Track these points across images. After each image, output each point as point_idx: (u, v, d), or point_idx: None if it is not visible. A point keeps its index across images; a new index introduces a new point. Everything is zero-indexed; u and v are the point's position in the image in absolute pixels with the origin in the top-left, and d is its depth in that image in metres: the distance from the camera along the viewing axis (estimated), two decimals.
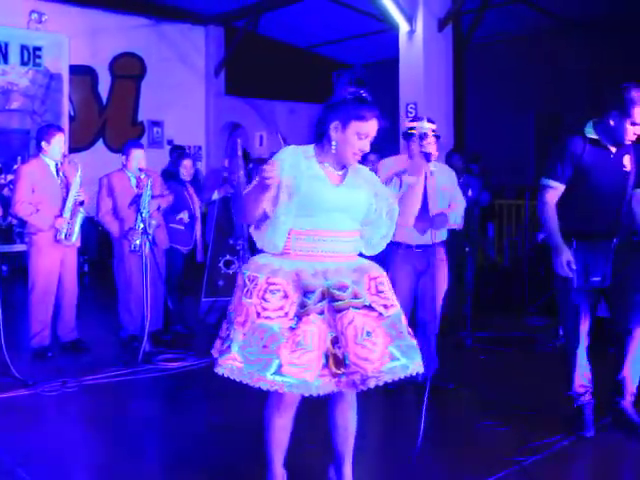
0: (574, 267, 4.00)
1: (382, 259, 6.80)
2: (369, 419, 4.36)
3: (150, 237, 5.80)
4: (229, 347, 2.78)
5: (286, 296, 2.78)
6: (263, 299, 2.78)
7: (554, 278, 4.23)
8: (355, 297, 2.82)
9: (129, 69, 12.01)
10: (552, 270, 4.21)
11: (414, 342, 2.89)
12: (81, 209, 5.77)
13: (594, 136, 4.09)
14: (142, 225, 5.83)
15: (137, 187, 5.93)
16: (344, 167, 2.96)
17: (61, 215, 5.68)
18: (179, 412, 4.57)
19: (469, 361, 5.83)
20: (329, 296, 2.81)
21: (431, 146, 4.73)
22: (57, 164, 5.77)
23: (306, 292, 2.78)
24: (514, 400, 4.67)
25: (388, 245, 4.97)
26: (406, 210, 3.21)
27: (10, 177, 6.56)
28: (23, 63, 10.31)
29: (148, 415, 4.58)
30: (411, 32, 9.37)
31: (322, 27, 12.17)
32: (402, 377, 2.80)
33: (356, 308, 2.80)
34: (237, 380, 2.74)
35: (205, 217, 7.22)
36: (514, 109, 8.98)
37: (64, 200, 5.72)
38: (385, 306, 2.87)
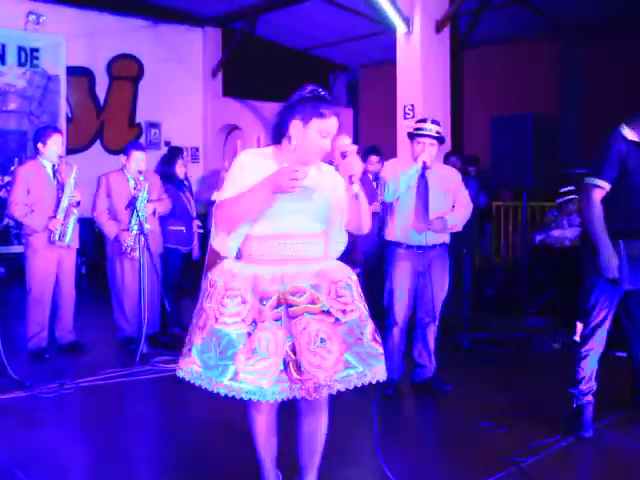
0: (617, 268, 3.95)
1: (380, 258, 6.80)
2: (364, 420, 4.36)
3: (144, 240, 5.81)
4: (189, 350, 2.78)
5: (244, 301, 2.73)
6: (221, 304, 2.74)
7: (589, 277, 4.16)
8: (312, 302, 2.73)
9: (126, 70, 12.00)
10: (587, 269, 4.16)
11: (378, 349, 2.80)
12: (75, 210, 5.74)
13: (633, 137, 4.06)
14: (136, 227, 5.83)
15: (134, 189, 5.93)
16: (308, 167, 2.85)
17: (55, 216, 5.67)
18: (177, 413, 4.57)
19: (467, 362, 5.84)
20: (285, 301, 2.73)
21: (428, 152, 4.78)
22: (54, 165, 5.76)
23: (262, 298, 2.72)
24: (512, 401, 4.67)
25: (389, 245, 5.00)
26: (352, 217, 2.93)
27: (7, 178, 6.55)
28: (20, 64, 10.30)
29: (146, 416, 4.58)
30: (408, 34, 9.36)
31: (319, 29, 12.17)
32: (358, 385, 2.75)
33: (311, 314, 2.72)
34: (196, 384, 2.74)
35: (204, 217, 7.22)
36: (512, 111, 8.97)
37: (59, 201, 5.71)
38: (343, 311, 2.76)
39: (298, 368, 2.68)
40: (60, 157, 5.79)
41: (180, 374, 2.78)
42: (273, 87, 12.46)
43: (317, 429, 2.99)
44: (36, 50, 10.41)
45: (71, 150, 10.68)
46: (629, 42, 9.87)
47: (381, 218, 6.90)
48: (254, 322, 2.70)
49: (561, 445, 3.92)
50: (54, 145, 5.73)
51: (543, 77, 11.06)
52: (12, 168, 6.15)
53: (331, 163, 3.04)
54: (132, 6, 11.65)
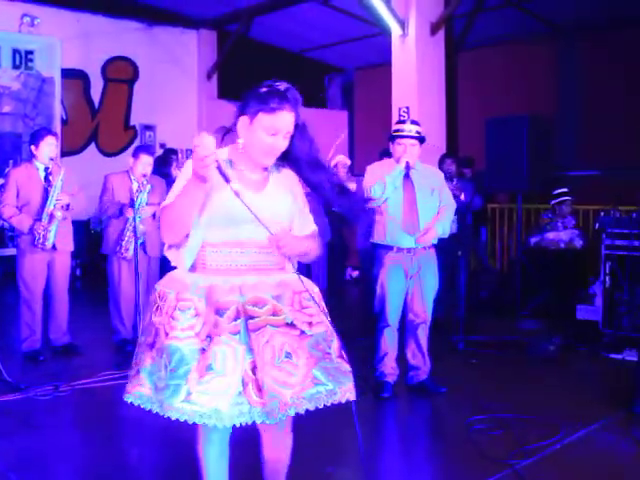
0: None
1: (369, 262, 6.81)
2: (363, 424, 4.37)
3: (140, 242, 5.82)
4: (138, 372, 2.49)
5: (197, 314, 2.43)
6: (171, 317, 2.44)
7: None
8: (274, 314, 2.47)
9: (121, 73, 11.99)
10: None
11: (346, 366, 2.54)
12: (59, 213, 5.69)
13: None
14: (130, 229, 5.83)
15: (136, 191, 5.93)
16: (265, 170, 2.64)
17: (40, 219, 5.65)
18: None
19: (461, 365, 5.84)
20: (245, 313, 2.44)
21: (410, 153, 4.80)
22: (47, 168, 5.74)
23: (218, 309, 2.43)
24: (506, 403, 4.68)
25: (378, 248, 4.99)
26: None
27: (1, 181, 6.57)
28: (15, 66, 10.29)
29: (141, 419, 4.57)
30: (403, 36, 9.37)
31: (314, 31, 12.18)
32: (327, 404, 2.45)
33: (274, 326, 2.45)
34: (146, 409, 2.45)
35: None
36: (507, 113, 8.99)
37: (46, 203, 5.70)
38: (309, 323, 2.52)
39: (259, 389, 2.37)
40: (51, 159, 5.76)
41: (128, 399, 2.49)
42: None
43: (281, 457, 2.73)
44: (31, 52, 10.40)
45: (66, 153, 10.67)
46: (626, 43, 9.89)
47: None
48: (209, 337, 2.40)
49: (556, 447, 3.93)
50: (47, 147, 5.72)
51: (539, 79, 11.08)
52: (7, 170, 6.12)
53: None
54: (127, 8, 11.65)
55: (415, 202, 4.85)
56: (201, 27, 12.67)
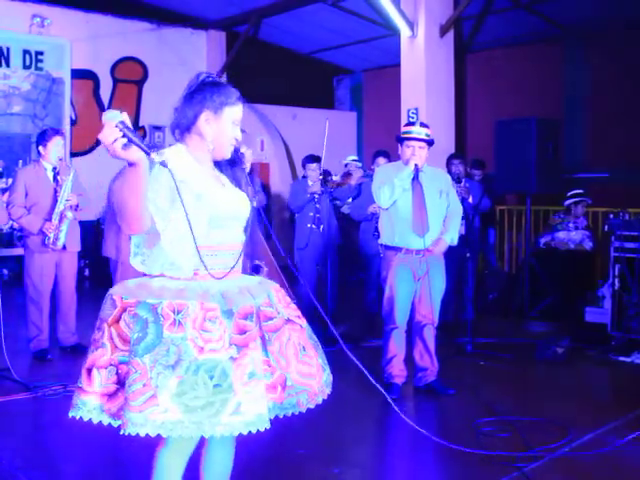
0: None
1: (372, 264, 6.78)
2: (366, 422, 4.36)
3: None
4: (153, 397, 2.24)
5: (221, 322, 2.36)
6: (203, 329, 2.32)
7: None
8: (278, 313, 2.53)
9: (131, 73, 12.02)
10: None
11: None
12: (69, 213, 5.72)
13: None
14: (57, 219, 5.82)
15: None
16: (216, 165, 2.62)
17: (50, 219, 5.67)
18: None
19: (469, 367, 5.83)
20: (261, 315, 2.46)
21: (418, 155, 4.81)
22: (55, 168, 5.76)
23: (246, 314, 2.40)
24: (515, 406, 4.67)
25: (386, 249, 4.99)
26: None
27: (10, 181, 6.60)
28: (25, 67, 10.33)
29: None
30: (412, 38, 9.37)
31: (323, 32, 12.18)
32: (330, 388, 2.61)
33: (285, 324, 2.53)
34: (173, 436, 2.26)
35: None
36: (515, 115, 8.98)
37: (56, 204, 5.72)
38: (299, 317, 2.61)
39: (273, 386, 2.41)
40: (60, 159, 5.78)
41: (143, 431, 2.22)
42: (277, 91, 12.51)
43: (229, 463, 2.70)
44: (41, 53, 10.44)
45: (75, 153, 10.72)
46: (633, 45, 9.87)
47: (377, 221, 6.93)
48: (233, 345, 2.34)
49: (564, 450, 3.92)
50: (54, 147, 5.73)
51: (548, 80, 11.06)
52: (15, 171, 6.15)
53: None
54: (136, 9, 11.68)
55: (424, 204, 4.85)
56: (210, 28, 12.70)
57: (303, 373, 2.50)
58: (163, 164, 2.21)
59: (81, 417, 2.37)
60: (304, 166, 7.14)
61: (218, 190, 2.48)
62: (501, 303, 8.12)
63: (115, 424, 2.37)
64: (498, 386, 5.25)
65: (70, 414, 2.40)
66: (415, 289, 4.95)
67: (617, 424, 4.35)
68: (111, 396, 2.35)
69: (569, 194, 8.18)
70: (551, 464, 3.75)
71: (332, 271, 6.90)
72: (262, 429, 2.31)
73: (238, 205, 2.54)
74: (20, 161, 9.82)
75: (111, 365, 2.36)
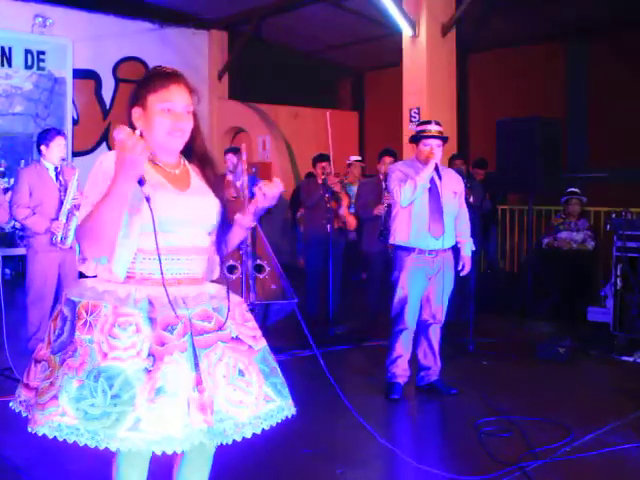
0: None
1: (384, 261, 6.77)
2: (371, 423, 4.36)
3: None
4: (54, 398, 2.12)
5: (138, 330, 2.18)
6: (110, 335, 2.16)
7: None
8: (220, 328, 2.30)
9: (133, 73, 12.01)
10: None
11: (283, 378, 2.42)
12: (77, 213, 5.75)
13: None
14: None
15: None
16: (180, 163, 2.43)
17: (57, 219, 5.68)
18: None
19: (471, 367, 5.82)
20: (192, 329, 2.24)
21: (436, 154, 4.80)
22: (56, 168, 5.77)
23: (167, 325, 2.21)
24: (517, 406, 4.66)
25: (398, 250, 4.94)
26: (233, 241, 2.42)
27: (12, 181, 6.61)
28: (27, 67, 10.34)
29: None
30: (414, 37, 9.37)
31: (325, 31, 12.18)
32: (278, 422, 2.32)
33: (224, 342, 2.29)
34: (68, 441, 2.11)
35: None
36: (517, 114, 8.96)
37: (62, 204, 5.73)
38: (254, 337, 2.38)
39: (202, 408, 2.18)
40: (63, 159, 5.80)
41: (40, 431, 2.13)
42: (279, 90, 12.51)
43: (204, 476, 2.53)
44: (43, 53, 10.45)
45: (77, 153, 10.73)
46: (635, 45, 9.86)
47: (383, 222, 6.92)
48: (151, 355, 2.17)
49: (566, 450, 3.92)
50: (57, 148, 5.74)
51: (550, 80, 11.05)
52: (17, 170, 6.15)
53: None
54: (138, 9, 11.69)
55: (440, 204, 4.82)
56: (212, 28, 12.71)
57: (231, 399, 2.24)
58: (147, 199, 2.14)
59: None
60: (314, 165, 7.20)
61: (157, 193, 2.22)
62: (503, 303, 8.10)
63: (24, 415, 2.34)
64: (500, 386, 5.24)
65: (10, 404, 2.39)
66: (425, 289, 4.93)
67: (619, 424, 4.34)
68: (37, 391, 2.27)
69: (565, 192, 8.17)
70: (553, 464, 3.74)
71: (335, 270, 6.90)
72: (169, 451, 2.13)
73: (194, 210, 2.32)
74: (22, 161, 9.82)
75: (43, 360, 2.30)
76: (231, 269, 6.71)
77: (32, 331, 5.76)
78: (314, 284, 7.23)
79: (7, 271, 9.75)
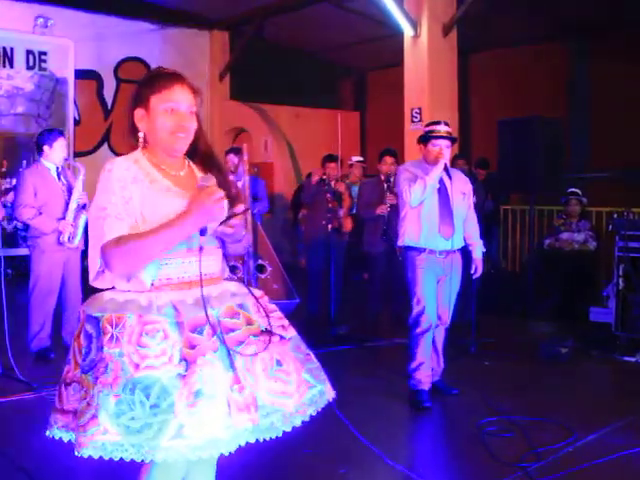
0: None
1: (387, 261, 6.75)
2: (378, 424, 4.36)
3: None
4: (94, 418, 2.08)
5: (166, 337, 2.15)
6: (139, 345, 2.13)
7: None
8: (249, 324, 2.30)
9: (134, 73, 12.01)
10: None
11: (318, 363, 2.42)
12: (84, 212, 5.80)
13: None
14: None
15: None
16: (184, 164, 2.39)
17: (64, 218, 5.71)
18: None
19: (474, 367, 5.82)
20: (221, 328, 2.23)
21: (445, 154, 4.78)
22: (58, 168, 5.80)
23: (195, 327, 2.19)
24: (519, 406, 4.66)
25: (408, 251, 4.86)
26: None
27: (15, 181, 6.62)
28: (29, 67, 10.35)
29: None
30: (416, 37, 9.38)
31: (327, 32, 12.18)
32: (322, 407, 2.34)
33: (255, 336, 2.28)
34: (114, 459, 2.10)
35: None
36: (519, 114, 8.96)
37: (66, 203, 5.75)
38: (283, 327, 2.37)
39: (246, 407, 2.16)
40: (66, 159, 5.84)
41: (86, 453, 2.09)
42: (280, 90, 12.50)
43: None
44: (44, 53, 10.46)
45: (79, 153, 10.73)
46: (637, 44, 9.85)
47: (387, 221, 6.92)
48: (183, 360, 2.14)
49: (568, 450, 3.91)
50: (60, 148, 5.78)
51: (551, 80, 11.05)
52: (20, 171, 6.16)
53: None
54: (140, 9, 11.69)
55: (450, 205, 4.79)
56: (214, 28, 12.71)
57: (275, 391, 2.24)
58: (202, 231, 2.17)
59: (52, 436, 2.28)
60: (323, 165, 7.21)
61: (166, 199, 2.22)
62: (505, 303, 8.09)
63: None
64: (502, 386, 5.24)
65: (46, 432, 2.30)
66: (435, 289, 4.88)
67: (621, 424, 4.34)
68: (75, 414, 2.21)
69: (565, 193, 8.17)
70: (555, 464, 3.74)
71: (337, 270, 6.91)
72: (216, 455, 2.12)
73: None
74: (24, 161, 9.83)
75: (74, 382, 2.25)
76: (232, 269, 6.69)
77: (35, 330, 5.78)
78: (315, 284, 7.23)
79: (9, 272, 9.76)
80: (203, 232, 2.17)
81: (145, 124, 2.28)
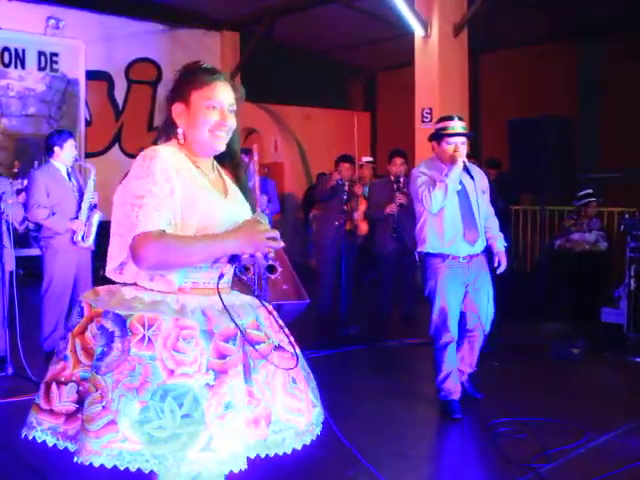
0: None
1: (396, 261, 6.71)
2: (384, 426, 4.35)
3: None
4: (112, 424, 1.94)
5: (197, 344, 2.05)
6: (175, 350, 2.01)
7: None
8: (267, 337, 2.23)
9: (145, 74, 12.06)
10: None
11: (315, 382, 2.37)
12: (97, 212, 5.84)
13: None
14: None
15: None
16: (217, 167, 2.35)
17: (77, 218, 5.75)
18: None
19: (485, 367, 5.79)
20: (246, 339, 2.15)
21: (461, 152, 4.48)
22: (67, 168, 5.85)
23: (228, 337, 2.10)
24: (531, 407, 4.64)
25: (430, 257, 4.56)
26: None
27: (26, 182, 6.64)
28: (40, 69, 10.38)
29: None
30: (426, 37, 9.36)
31: (337, 32, 12.17)
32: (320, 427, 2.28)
33: (275, 350, 2.21)
34: (131, 469, 1.94)
35: None
36: (529, 114, 8.93)
37: (78, 203, 5.79)
38: (291, 344, 2.25)
39: (256, 421, 2.12)
40: (77, 160, 5.89)
41: (97, 461, 1.94)
42: (291, 90, 12.51)
43: None
44: (56, 54, 10.49)
45: (90, 154, 10.76)
46: None
47: (396, 220, 6.92)
48: (210, 369, 2.05)
49: (580, 452, 3.90)
50: (70, 148, 5.83)
51: (562, 80, 11.01)
52: (31, 173, 6.19)
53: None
54: (150, 10, 11.71)
55: (472, 207, 4.49)
56: (224, 29, 12.72)
57: (291, 408, 2.19)
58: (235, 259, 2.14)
59: (34, 438, 2.10)
60: (337, 165, 7.22)
61: (210, 195, 2.17)
62: (517, 303, 8.06)
63: (72, 448, 2.09)
64: (513, 387, 5.22)
65: (23, 433, 2.13)
66: (463, 297, 4.59)
67: (633, 425, 4.32)
68: (69, 416, 2.08)
69: (578, 195, 8.13)
70: (567, 465, 3.73)
71: (348, 271, 6.90)
72: (236, 470, 2.00)
73: (232, 217, 2.18)
74: (35, 162, 9.86)
75: (72, 381, 2.09)
76: (270, 269, 6.70)
77: (49, 331, 5.81)
78: (326, 284, 7.23)
79: (20, 272, 9.79)
80: (234, 260, 2.14)
81: (184, 119, 2.20)
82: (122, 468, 1.93)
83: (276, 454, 2.18)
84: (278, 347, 2.23)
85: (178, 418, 1.96)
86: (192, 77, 2.21)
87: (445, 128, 4.55)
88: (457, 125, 4.55)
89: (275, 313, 2.30)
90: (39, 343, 5.85)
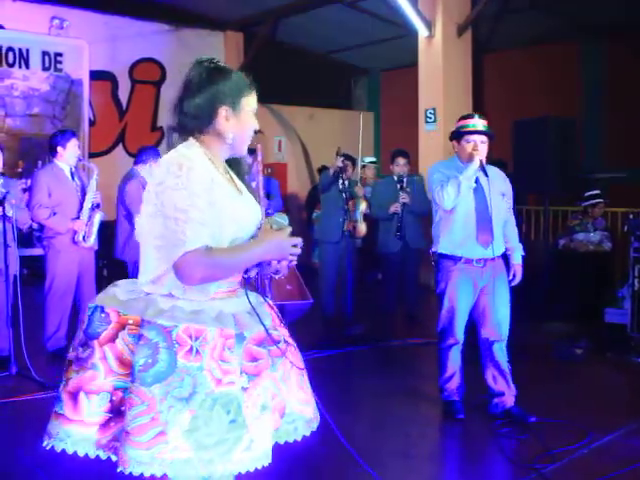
0: None
1: (401, 261, 6.69)
2: (388, 425, 4.35)
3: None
4: (162, 434, 1.98)
5: (232, 349, 2.12)
6: (221, 360, 2.06)
7: None
8: (282, 336, 2.33)
9: (149, 74, 12.06)
10: None
11: None
12: (99, 211, 5.85)
13: None
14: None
15: None
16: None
17: (79, 217, 5.76)
18: None
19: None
20: (272, 339, 2.23)
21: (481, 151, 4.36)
22: (71, 168, 5.86)
23: (261, 340, 2.18)
24: (533, 407, 4.63)
25: (442, 258, 4.45)
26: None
27: (30, 182, 6.67)
28: (44, 69, 10.40)
29: None
30: (430, 37, 9.36)
31: (340, 33, 12.17)
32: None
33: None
34: (182, 477, 2.01)
35: None
36: (533, 114, 8.91)
37: (81, 203, 5.80)
38: (291, 339, 2.37)
39: (272, 411, 2.20)
40: (80, 160, 5.91)
41: (146, 472, 1.98)
42: (294, 91, 12.51)
43: None
44: (60, 54, 10.50)
45: (93, 154, 10.77)
46: None
47: (400, 219, 6.92)
48: (244, 373, 2.12)
49: (583, 452, 3.90)
50: (73, 148, 5.84)
51: (566, 80, 10.99)
52: (34, 172, 6.22)
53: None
54: (154, 11, 11.72)
55: (488, 208, 4.32)
56: (228, 29, 12.73)
57: (301, 400, 2.31)
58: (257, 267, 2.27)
59: (63, 450, 2.11)
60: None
61: (237, 200, 2.22)
62: (520, 303, 8.05)
63: (103, 457, 2.14)
64: (517, 387, 5.21)
65: (47, 445, 2.14)
66: (477, 302, 4.48)
67: (637, 426, 4.31)
68: (103, 426, 2.10)
69: (585, 195, 8.12)
70: (570, 466, 3.72)
71: (351, 270, 6.90)
72: (266, 464, 2.11)
73: (251, 215, 2.27)
74: (39, 162, 9.88)
75: (104, 391, 2.08)
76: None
77: (52, 331, 5.82)
78: (329, 284, 7.23)
79: (24, 271, 9.80)
80: (260, 266, 2.27)
81: (232, 123, 2.24)
82: (171, 475, 1.99)
83: (286, 442, 2.31)
84: (286, 342, 2.31)
85: (225, 424, 2.03)
86: (239, 82, 2.29)
87: (465, 126, 4.45)
88: (478, 123, 4.43)
89: (275, 308, 2.38)
90: (42, 342, 5.86)
